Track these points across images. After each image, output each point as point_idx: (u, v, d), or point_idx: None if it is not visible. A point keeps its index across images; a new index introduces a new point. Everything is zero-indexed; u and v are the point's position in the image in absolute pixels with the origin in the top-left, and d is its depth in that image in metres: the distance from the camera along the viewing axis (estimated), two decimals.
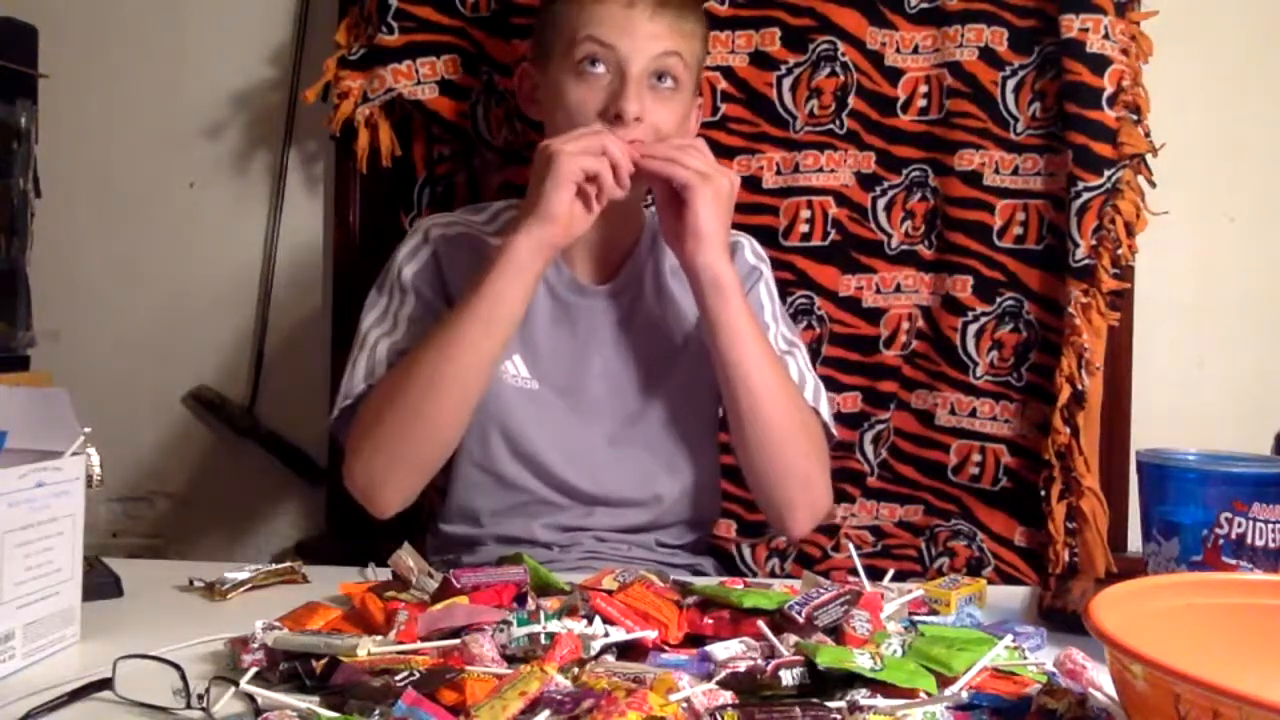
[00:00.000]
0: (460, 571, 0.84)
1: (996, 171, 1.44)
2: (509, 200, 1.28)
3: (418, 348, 1.09)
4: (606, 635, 0.75)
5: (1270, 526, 0.85)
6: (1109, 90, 1.37)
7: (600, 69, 1.11)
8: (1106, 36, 1.37)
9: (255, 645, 0.74)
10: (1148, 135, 1.39)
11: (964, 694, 0.67)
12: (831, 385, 1.47)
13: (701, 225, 1.08)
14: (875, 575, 0.93)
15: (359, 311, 1.24)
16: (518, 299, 1.07)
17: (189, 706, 0.67)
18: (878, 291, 1.48)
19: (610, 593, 0.82)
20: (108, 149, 1.73)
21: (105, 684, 0.70)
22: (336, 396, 1.17)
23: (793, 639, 0.73)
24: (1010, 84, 1.43)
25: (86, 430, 0.82)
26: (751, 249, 1.28)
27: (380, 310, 1.19)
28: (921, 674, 0.69)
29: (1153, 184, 1.40)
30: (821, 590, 0.79)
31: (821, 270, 1.46)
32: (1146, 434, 1.49)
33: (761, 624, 0.75)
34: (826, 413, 1.20)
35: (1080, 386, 1.39)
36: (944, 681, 0.69)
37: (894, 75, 1.46)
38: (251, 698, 0.69)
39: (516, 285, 1.06)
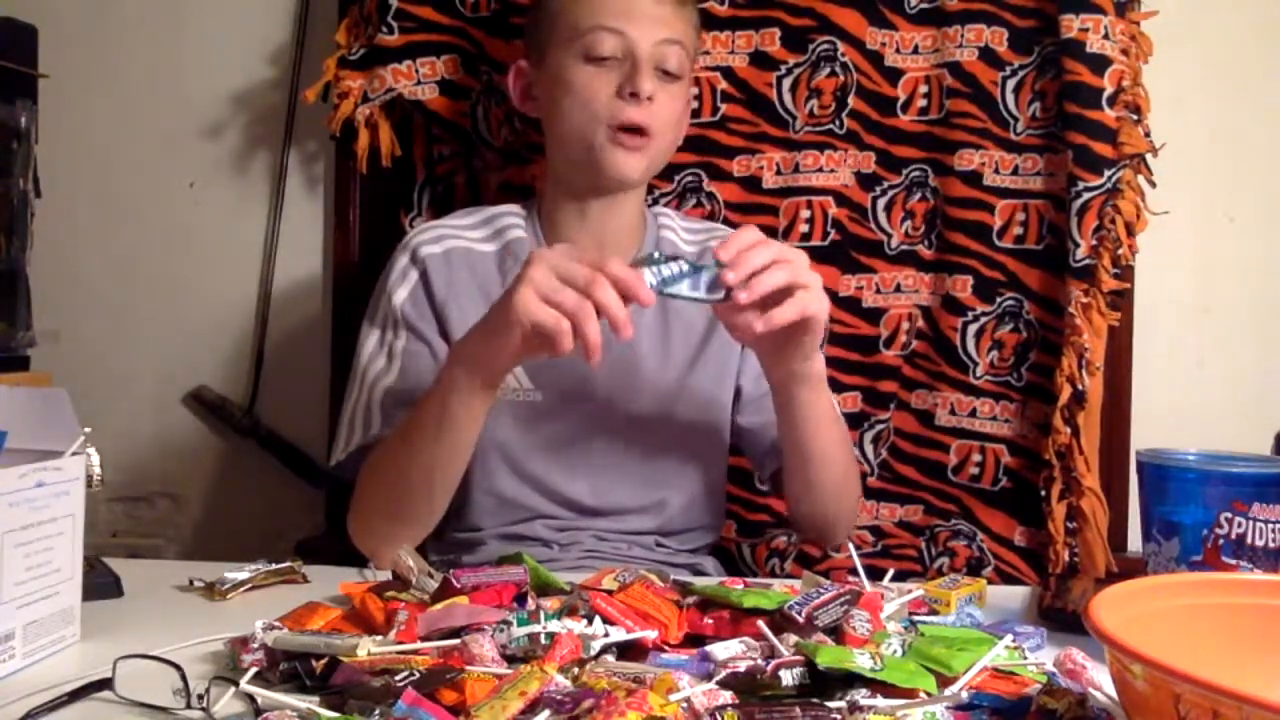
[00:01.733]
0: (460, 571, 0.84)
1: (996, 171, 1.44)
2: (507, 206, 1.28)
3: (392, 439, 1.08)
4: (606, 635, 0.75)
5: (1270, 526, 0.85)
6: (1109, 90, 1.37)
7: (609, 56, 1.13)
8: (1106, 36, 1.37)
9: (255, 645, 0.74)
10: (1148, 135, 1.39)
11: (964, 694, 0.67)
12: (832, 385, 1.46)
13: (816, 342, 1.03)
14: (875, 575, 0.93)
15: (359, 312, 1.24)
16: (465, 418, 1.01)
17: (189, 706, 0.67)
18: (878, 291, 1.48)
19: (610, 593, 0.82)
20: (108, 149, 1.73)
21: (105, 684, 0.70)
22: (336, 428, 1.17)
23: (793, 639, 0.73)
24: (1010, 84, 1.43)
25: (86, 430, 0.82)
26: None
27: (375, 343, 1.18)
28: (921, 674, 0.69)
29: (1153, 184, 1.40)
30: (821, 590, 0.79)
31: (821, 270, 1.43)
32: (1146, 434, 1.49)
33: (761, 624, 0.75)
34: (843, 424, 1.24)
35: (1080, 386, 1.39)
36: (944, 681, 0.69)
37: (894, 75, 1.46)
38: (251, 698, 0.69)
39: (461, 409, 1.00)
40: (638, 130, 1.13)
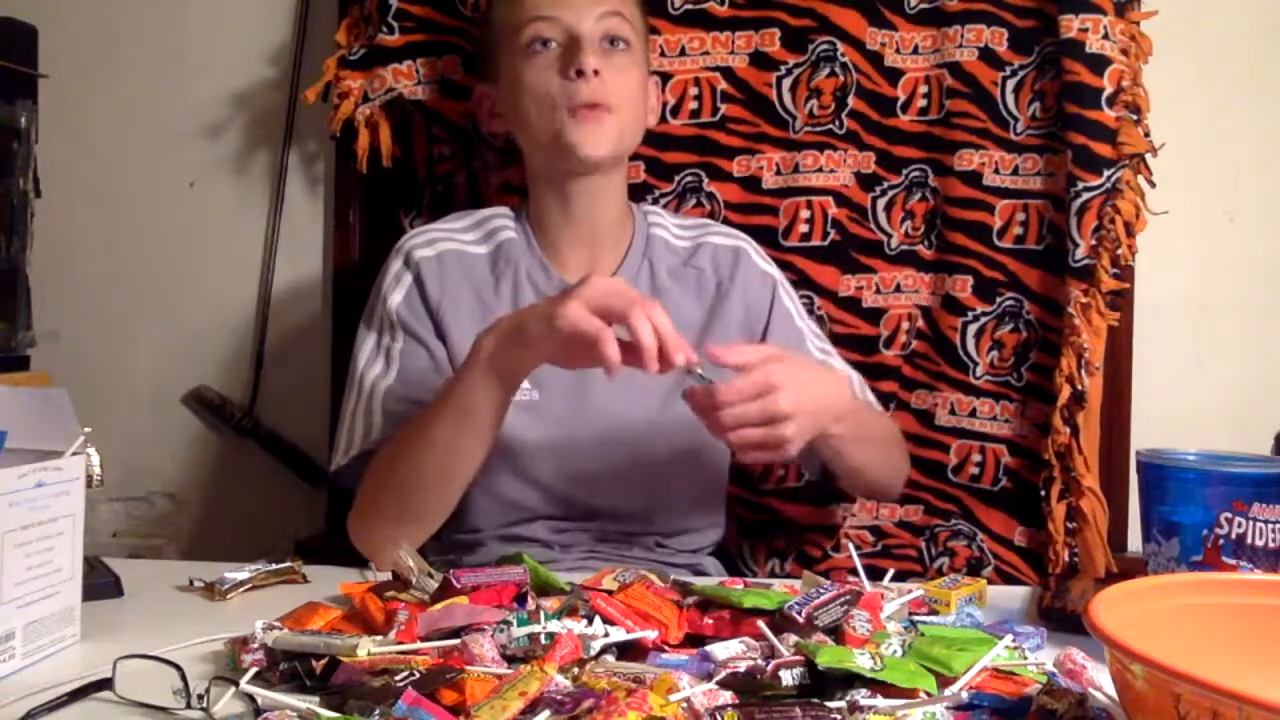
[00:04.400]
0: (460, 571, 0.84)
1: (996, 171, 1.44)
2: (497, 208, 1.29)
3: (406, 436, 1.07)
4: (606, 635, 0.75)
5: (1270, 526, 0.85)
6: (1109, 90, 1.37)
7: (552, 44, 1.15)
8: (1106, 36, 1.37)
9: (255, 645, 0.74)
10: (1147, 135, 1.39)
11: (964, 694, 0.67)
12: None
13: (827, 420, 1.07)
14: (875, 575, 0.93)
15: (359, 312, 1.25)
16: (490, 403, 1.02)
17: (189, 706, 0.67)
18: (877, 291, 1.48)
19: (610, 593, 0.82)
20: (108, 149, 1.72)
21: (105, 684, 0.70)
22: (335, 435, 1.17)
23: (793, 639, 0.73)
24: (1010, 84, 1.43)
25: (86, 430, 0.83)
26: (757, 254, 1.30)
27: (372, 347, 1.19)
28: (921, 674, 0.69)
29: (1152, 184, 1.40)
30: (821, 590, 0.79)
31: (821, 270, 1.46)
32: (1146, 434, 1.48)
33: (761, 624, 0.75)
34: (871, 396, 1.30)
35: (1080, 386, 1.39)
36: (944, 681, 0.69)
37: (894, 75, 1.46)
38: (251, 698, 0.69)
39: (484, 405, 1.01)
40: (594, 107, 1.15)
